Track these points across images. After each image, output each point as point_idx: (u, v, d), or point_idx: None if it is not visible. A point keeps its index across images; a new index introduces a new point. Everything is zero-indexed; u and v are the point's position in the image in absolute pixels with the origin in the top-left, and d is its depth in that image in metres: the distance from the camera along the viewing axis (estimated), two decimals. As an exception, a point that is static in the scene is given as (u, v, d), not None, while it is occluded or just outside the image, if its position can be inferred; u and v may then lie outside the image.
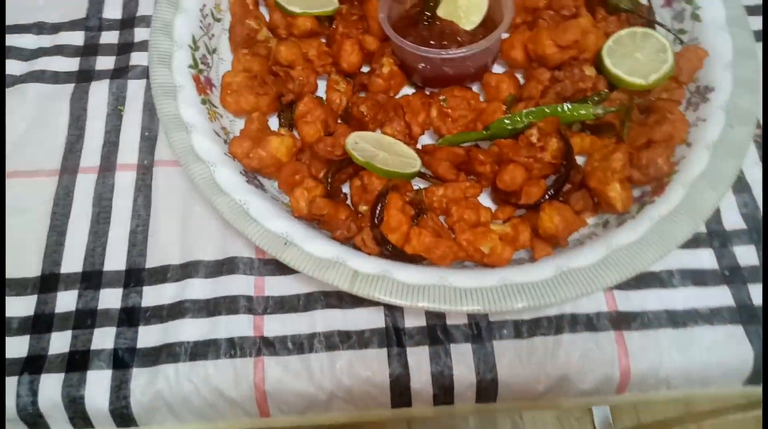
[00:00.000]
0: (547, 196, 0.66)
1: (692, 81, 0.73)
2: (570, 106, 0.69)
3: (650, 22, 0.77)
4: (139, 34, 0.82)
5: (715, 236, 0.68)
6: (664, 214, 0.62)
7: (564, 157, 0.67)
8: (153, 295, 0.65)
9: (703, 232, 0.68)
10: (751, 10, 0.76)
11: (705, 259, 0.67)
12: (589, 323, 0.64)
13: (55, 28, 0.83)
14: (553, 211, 0.63)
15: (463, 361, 0.62)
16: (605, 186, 0.64)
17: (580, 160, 0.70)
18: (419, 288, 0.58)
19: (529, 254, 0.66)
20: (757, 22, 0.78)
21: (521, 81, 0.76)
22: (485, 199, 0.70)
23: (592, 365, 0.62)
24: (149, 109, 0.75)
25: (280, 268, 0.64)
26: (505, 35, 0.77)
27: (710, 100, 0.70)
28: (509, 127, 0.68)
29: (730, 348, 0.62)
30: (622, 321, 0.64)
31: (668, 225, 0.62)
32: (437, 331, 0.64)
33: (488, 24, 0.75)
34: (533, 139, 0.67)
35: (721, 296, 0.65)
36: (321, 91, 0.76)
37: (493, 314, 0.63)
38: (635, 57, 0.72)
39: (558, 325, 0.64)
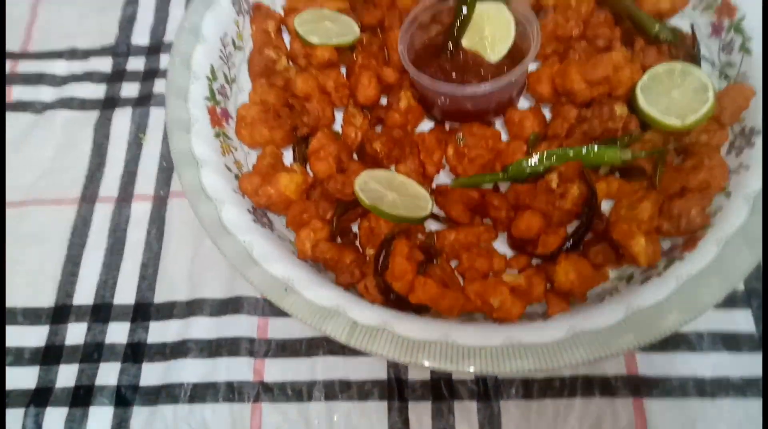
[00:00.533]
0: (566, 247, 0.62)
1: (736, 122, 0.66)
2: (596, 150, 0.64)
3: (693, 57, 0.71)
4: (165, 60, 0.83)
5: (754, 296, 0.62)
6: (694, 273, 0.57)
7: (586, 203, 0.63)
8: (158, 332, 0.65)
9: (741, 291, 0.63)
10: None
11: (741, 321, 0.62)
12: (605, 387, 0.60)
13: (86, 54, 0.85)
14: (569, 265, 0.59)
15: (467, 420, 0.60)
16: (629, 239, 0.60)
17: (605, 204, 0.66)
18: (421, 344, 0.56)
19: (544, 307, 0.62)
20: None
21: (548, 116, 0.72)
22: (502, 243, 0.67)
23: (606, 435, 0.58)
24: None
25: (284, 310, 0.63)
26: (533, 66, 0.73)
27: (755, 145, 0.63)
28: (528, 171, 0.64)
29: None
30: (643, 387, 0.60)
31: (698, 285, 0.56)
32: (441, 386, 0.61)
33: (515, 54, 0.71)
34: (553, 184, 0.63)
35: (757, 365, 0.59)
36: (338, 122, 0.75)
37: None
38: (672, 95, 0.66)
39: (571, 387, 0.60)
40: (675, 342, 0.61)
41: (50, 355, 0.64)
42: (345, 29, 0.75)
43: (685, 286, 0.56)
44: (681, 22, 0.73)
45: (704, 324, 0.61)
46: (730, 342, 0.60)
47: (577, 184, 0.62)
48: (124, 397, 0.62)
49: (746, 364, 0.59)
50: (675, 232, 0.62)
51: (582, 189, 0.63)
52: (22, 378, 0.63)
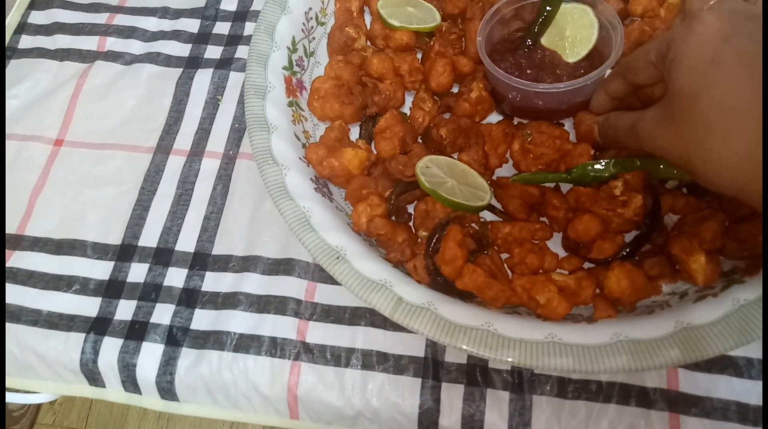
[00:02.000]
0: (622, 255, 0.62)
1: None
2: (666, 162, 0.63)
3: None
4: (249, 28, 0.86)
5: (814, 332, 0.60)
6: (752, 298, 0.56)
7: (649, 215, 0.62)
8: (213, 281, 0.68)
9: (801, 324, 0.60)
10: None
11: (797, 354, 0.60)
12: (642, 397, 0.59)
13: (177, 14, 0.89)
14: (622, 273, 0.58)
15: (497, 408, 0.60)
16: (689, 256, 0.59)
17: (668, 219, 0.64)
18: (462, 328, 0.57)
19: (590, 311, 0.62)
20: None
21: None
22: (556, 243, 0.67)
23: (636, 445, 0.57)
24: (243, 102, 0.79)
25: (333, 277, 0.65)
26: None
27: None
28: (592, 175, 0.64)
29: (804, 463, 0.55)
30: (681, 403, 0.59)
31: (755, 311, 0.55)
32: (477, 372, 0.62)
33: (594, 58, 0.71)
34: (616, 191, 0.62)
35: (807, 401, 0.57)
36: (407, 105, 0.76)
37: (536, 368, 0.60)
38: (754, 116, 0.64)
39: (608, 392, 0.60)
40: (722, 364, 0.59)
41: (113, 289, 0.69)
42: (426, 16, 0.76)
43: (740, 310, 0.55)
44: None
45: (756, 351, 0.59)
46: (780, 374, 0.59)
47: (641, 195, 0.61)
48: (175, 338, 0.65)
49: (795, 399, 0.58)
50: (739, 255, 0.60)
51: (646, 200, 0.62)
52: (85, 306, 0.68)
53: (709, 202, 0.64)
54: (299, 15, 0.78)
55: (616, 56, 0.67)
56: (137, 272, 0.70)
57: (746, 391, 0.59)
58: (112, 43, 0.87)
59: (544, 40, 0.73)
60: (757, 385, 0.59)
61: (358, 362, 0.63)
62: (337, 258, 0.60)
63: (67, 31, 0.88)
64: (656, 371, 0.60)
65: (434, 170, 0.65)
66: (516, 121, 0.74)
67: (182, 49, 0.85)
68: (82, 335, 0.66)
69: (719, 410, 0.58)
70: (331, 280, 0.67)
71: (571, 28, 0.72)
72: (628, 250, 0.62)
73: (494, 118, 0.75)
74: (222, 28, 0.87)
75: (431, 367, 0.62)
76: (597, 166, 0.64)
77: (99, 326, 0.67)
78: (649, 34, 0.72)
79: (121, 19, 0.89)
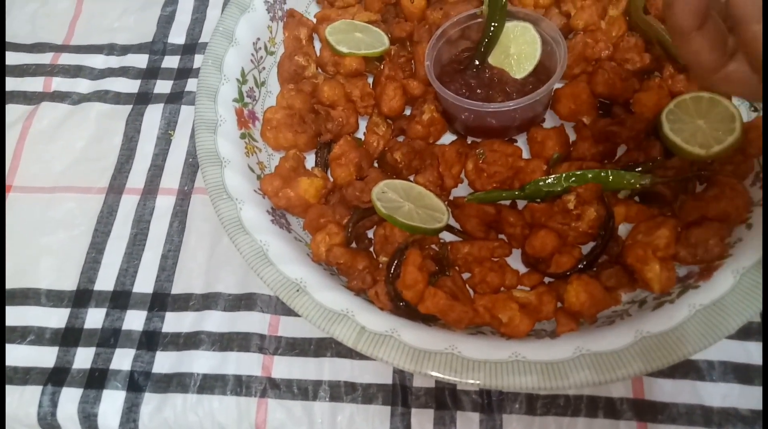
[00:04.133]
0: (579, 267, 0.62)
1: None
2: (616, 173, 0.64)
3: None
4: (199, 60, 0.86)
5: (770, 329, 0.61)
6: (706, 303, 0.57)
7: (603, 226, 0.63)
8: (173, 322, 0.67)
9: (756, 322, 0.62)
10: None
11: (754, 353, 0.61)
12: (609, 408, 0.60)
13: (124, 50, 0.88)
14: (580, 286, 0.59)
15: (468, 431, 0.60)
16: (644, 265, 0.59)
17: (622, 228, 0.66)
18: (426, 353, 0.56)
19: (553, 325, 0.62)
20: None
21: (572, 137, 0.72)
22: (516, 259, 0.67)
23: (607, 457, 0.58)
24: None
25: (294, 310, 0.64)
26: (559, 85, 0.74)
27: (781, 178, 0.63)
28: (545, 190, 0.65)
29: (768, 462, 0.56)
30: (648, 411, 0.59)
31: (712, 315, 0.56)
32: (445, 395, 0.62)
33: (541, 73, 0.72)
34: (570, 205, 0.63)
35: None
36: (362, 130, 0.76)
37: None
38: (698, 124, 0.66)
39: (575, 406, 0.60)
40: (684, 369, 0.60)
41: (69, 337, 0.67)
42: (375, 41, 0.77)
43: (697, 314, 0.56)
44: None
45: (717, 353, 0.60)
46: (741, 373, 0.60)
47: (594, 207, 0.62)
48: (137, 383, 0.63)
49: (757, 397, 0.59)
50: (692, 260, 0.61)
51: (599, 211, 0.63)
52: (41, 357, 0.66)
53: (662, 209, 0.66)
54: (247, 46, 0.77)
55: (562, 70, 0.68)
56: (94, 318, 0.68)
57: (709, 394, 0.60)
58: (59, 83, 0.85)
59: (491, 59, 0.74)
60: (719, 387, 0.60)
61: (326, 394, 0.62)
62: (297, 290, 0.60)
63: (11, 72, 0.86)
64: (622, 382, 0.60)
65: (390, 195, 0.65)
66: (470, 139, 0.75)
67: (131, 86, 0.84)
68: (39, 388, 0.64)
69: (684, 415, 0.59)
70: (294, 313, 0.65)
71: (515, 46, 0.74)
72: (585, 262, 0.62)
73: (448, 138, 0.75)
74: (171, 61, 0.86)
75: (400, 394, 0.62)
76: (549, 181, 0.65)
77: (56, 377, 0.64)
78: (592, 46, 0.74)
79: (67, 58, 0.87)
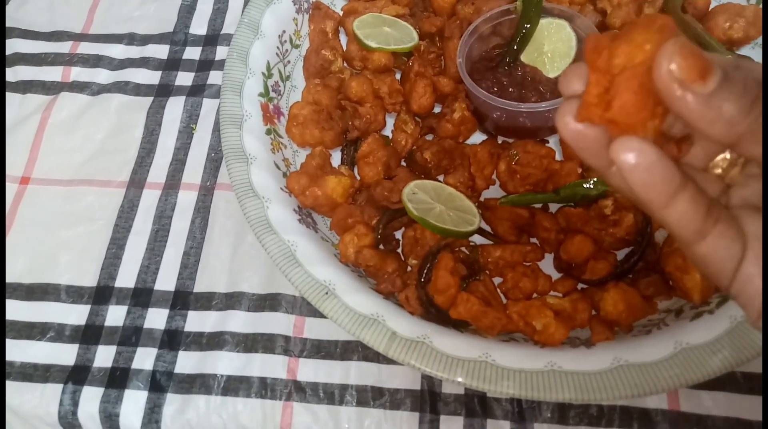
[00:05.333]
0: (616, 274, 0.61)
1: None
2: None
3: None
4: (221, 52, 0.84)
5: (809, 343, 0.60)
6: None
7: (640, 233, 0.61)
8: (196, 321, 0.65)
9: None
10: None
11: (794, 366, 0.59)
12: (644, 419, 0.58)
13: (144, 40, 0.86)
14: (617, 294, 0.57)
15: (498, 440, 0.58)
16: (683, 274, 0.58)
17: (659, 235, 0.64)
18: (459, 361, 0.55)
19: (587, 333, 0.61)
20: None
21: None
22: (548, 263, 0.65)
23: (641, 470, 0.56)
24: (218, 131, 0.76)
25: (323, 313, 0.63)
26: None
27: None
28: (581, 194, 0.63)
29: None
30: (683, 423, 0.58)
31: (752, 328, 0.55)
32: (475, 402, 0.60)
33: (575, 72, 0.70)
34: (607, 211, 0.61)
35: (807, 414, 0.57)
36: (389, 128, 0.74)
37: (536, 398, 0.59)
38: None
39: (609, 416, 0.59)
40: (721, 380, 0.59)
41: (90, 335, 0.65)
42: (404, 35, 0.75)
43: (738, 327, 0.55)
44: (753, 52, 0.71)
45: (755, 365, 0.59)
46: (779, 388, 0.58)
47: (632, 213, 0.60)
48: (159, 383, 0.62)
49: (795, 413, 0.57)
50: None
51: (637, 218, 0.61)
52: (62, 354, 0.64)
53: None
54: (273, 38, 0.75)
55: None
56: (115, 315, 0.66)
57: (748, 406, 0.58)
58: (78, 73, 0.83)
59: (524, 57, 0.72)
60: (758, 400, 0.58)
61: (353, 399, 0.61)
62: (326, 293, 0.58)
63: (29, 61, 0.84)
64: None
65: (421, 196, 0.64)
66: (500, 139, 0.73)
67: (152, 77, 0.82)
68: (60, 386, 0.62)
69: (721, 428, 0.58)
70: (320, 314, 0.64)
71: (549, 43, 0.71)
72: (622, 269, 0.61)
73: (477, 137, 0.73)
74: (192, 53, 0.84)
75: (428, 400, 0.60)
76: (586, 185, 0.63)
77: (77, 375, 0.63)
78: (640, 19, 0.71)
79: (86, 47, 0.85)
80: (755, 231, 0.29)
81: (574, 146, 0.31)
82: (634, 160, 0.27)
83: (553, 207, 0.67)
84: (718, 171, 0.32)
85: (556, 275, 0.64)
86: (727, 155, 0.32)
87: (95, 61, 0.84)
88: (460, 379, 0.54)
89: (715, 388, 0.59)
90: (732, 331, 0.54)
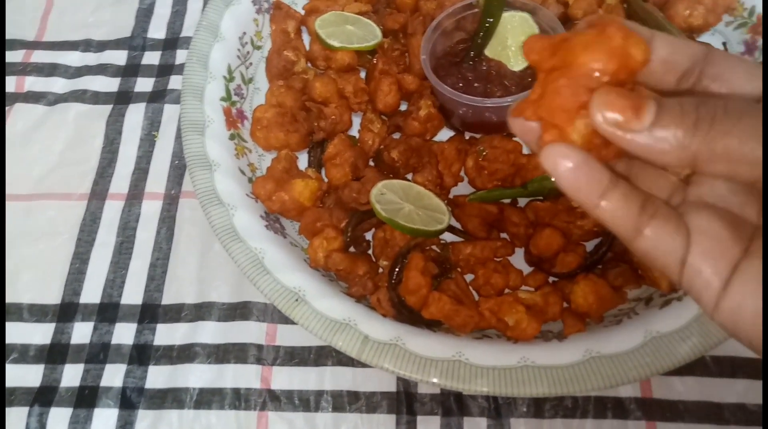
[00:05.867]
0: (585, 266, 0.61)
1: None
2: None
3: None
4: (181, 56, 0.82)
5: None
6: (716, 301, 0.56)
7: (607, 223, 0.61)
8: (165, 334, 0.64)
9: None
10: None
11: (761, 348, 0.60)
12: (618, 408, 0.59)
13: (101, 46, 0.83)
14: (587, 287, 0.58)
15: (476, 437, 0.58)
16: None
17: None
18: (433, 361, 0.55)
19: (560, 326, 0.61)
20: None
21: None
22: (520, 258, 0.65)
23: (617, 459, 0.57)
24: (181, 138, 0.75)
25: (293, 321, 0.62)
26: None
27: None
28: (549, 187, 0.63)
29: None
30: (656, 410, 0.59)
31: (719, 313, 0.55)
32: (451, 401, 0.60)
33: (539, 65, 0.70)
34: (575, 203, 0.61)
35: (777, 394, 0.58)
36: (356, 128, 0.73)
37: (511, 394, 0.59)
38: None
39: (584, 407, 0.59)
40: (693, 365, 0.59)
41: (56, 354, 0.64)
42: (367, 33, 0.74)
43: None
44: (713, 39, 0.71)
45: (724, 349, 0.60)
46: (752, 369, 0.59)
47: (599, 204, 0.60)
48: (130, 400, 0.61)
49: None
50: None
51: (604, 208, 0.61)
52: (26, 376, 0.62)
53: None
54: (233, 41, 0.74)
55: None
56: (81, 332, 0.65)
57: (718, 391, 0.59)
58: (32, 83, 0.80)
59: (488, 51, 0.71)
60: (727, 383, 0.59)
61: (329, 405, 0.60)
62: (296, 300, 0.57)
63: (-20, 72, 0.82)
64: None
65: (389, 196, 0.63)
66: (467, 135, 0.72)
67: (110, 84, 0.80)
68: (25, 409, 0.61)
69: (693, 412, 0.58)
70: (292, 321, 0.63)
71: (513, 37, 0.71)
72: (591, 261, 0.61)
73: (445, 133, 0.73)
74: (152, 58, 0.82)
75: (405, 401, 0.60)
76: (553, 179, 0.63)
77: (44, 397, 0.61)
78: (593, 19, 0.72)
79: (40, 56, 0.83)
80: (701, 226, 0.29)
81: (522, 140, 0.33)
82: (560, 164, 0.28)
83: (522, 201, 0.66)
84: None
85: (527, 269, 0.65)
86: None
87: (50, 70, 0.81)
88: (434, 380, 0.54)
89: (685, 374, 0.60)
90: (700, 318, 0.55)
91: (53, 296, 0.67)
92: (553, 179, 0.29)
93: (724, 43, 0.71)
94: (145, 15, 0.85)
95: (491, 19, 0.69)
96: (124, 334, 0.64)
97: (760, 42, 0.69)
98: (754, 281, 0.27)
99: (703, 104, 0.27)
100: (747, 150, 0.25)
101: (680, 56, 0.31)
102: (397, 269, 0.60)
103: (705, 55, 0.31)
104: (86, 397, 0.61)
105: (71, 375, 0.62)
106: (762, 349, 0.27)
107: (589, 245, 0.64)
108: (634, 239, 0.29)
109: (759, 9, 0.69)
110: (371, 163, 0.71)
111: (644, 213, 0.29)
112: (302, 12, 0.79)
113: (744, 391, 0.59)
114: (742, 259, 0.28)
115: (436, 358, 0.55)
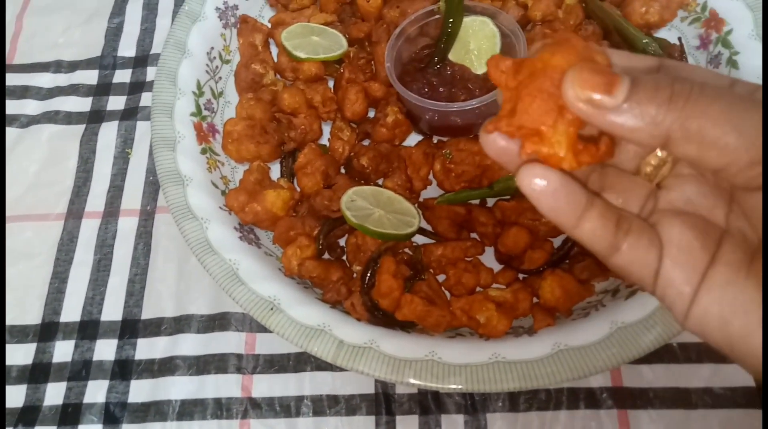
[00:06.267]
0: (552, 262, 0.63)
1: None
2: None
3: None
4: (151, 73, 0.83)
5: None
6: (677, 289, 0.58)
7: (572, 219, 0.63)
8: (146, 348, 0.65)
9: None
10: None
11: (725, 333, 0.62)
12: (590, 399, 0.61)
13: (72, 67, 0.84)
14: (554, 282, 0.59)
15: (454, 434, 0.60)
16: (614, 255, 0.60)
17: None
18: (407, 362, 0.56)
19: (530, 322, 0.62)
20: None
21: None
22: (489, 256, 0.67)
23: (591, 447, 0.59)
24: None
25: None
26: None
27: None
28: (515, 186, 0.65)
29: (746, 438, 0.58)
30: (627, 398, 0.60)
31: (682, 301, 0.57)
32: (429, 400, 0.62)
33: (502, 67, 0.71)
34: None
35: (742, 376, 0.60)
36: (326, 136, 0.75)
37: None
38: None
39: (557, 399, 0.61)
40: (660, 353, 0.61)
41: (38, 373, 0.64)
42: (333, 43, 0.75)
43: (668, 301, 0.57)
44: (669, 34, 0.73)
45: (688, 335, 0.61)
46: (713, 353, 0.61)
47: (562, 200, 0.62)
48: (113, 415, 0.62)
49: (731, 376, 0.60)
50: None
51: (567, 204, 0.63)
52: (9, 397, 0.63)
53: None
54: (201, 56, 0.75)
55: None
56: (63, 351, 0.65)
57: (685, 376, 0.61)
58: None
59: (452, 56, 0.73)
60: (693, 368, 0.61)
61: (309, 409, 0.61)
62: (271, 309, 0.59)
63: (-48, 97, 0.82)
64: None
65: (359, 203, 0.64)
66: (435, 138, 0.74)
67: (82, 104, 0.81)
68: (10, 430, 0.62)
69: (663, 398, 0.60)
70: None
71: (475, 41, 0.73)
72: (557, 256, 0.63)
73: (414, 138, 0.74)
74: (123, 76, 0.83)
75: (383, 403, 0.62)
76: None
77: (27, 417, 0.62)
78: (551, 36, 0.74)
79: (12, 79, 0.83)
80: (671, 237, 0.30)
81: (498, 161, 0.32)
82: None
83: (491, 201, 0.68)
84: (649, 169, 0.33)
85: (498, 267, 0.66)
86: (659, 153, 0.32)
87: (22, 92, 0.82)
88: (410, 380, 0.55)
89: (654, 362, 0.62)
90: (663, 308, 0.57)
91: (34, 316, 0.67)
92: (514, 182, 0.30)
93: (679, 38, 0.73)
94: (114, 34, 0.86)
95: (452, 24, 0.71)
96: (105, 350, 0.65)
97: (714, 36, 0.71)
98: (718, 288, 0.28)
99: (679, 81, 0.27)
100: (719, 133, 0.26)
101: (636, 67, 0.31)
102: (369, 273, 0.61)
103: (659, 67, 0.31)
104: (70, 415, 0.62)
105: (54, 393, 0.63)
106: (762, 363, 0.27)
107: (557, 241, 0.66)
108: (611, 256, 0.30)
109: (711, 4, 0.71)
110: (342, 171, 0.72)
111: (619, 230, 0.29)
112: (269, 25, 0.80)
113: (709, 376, 0.61)
114: (708, 266, 0.28)
115: (411, 358, 0.56)
